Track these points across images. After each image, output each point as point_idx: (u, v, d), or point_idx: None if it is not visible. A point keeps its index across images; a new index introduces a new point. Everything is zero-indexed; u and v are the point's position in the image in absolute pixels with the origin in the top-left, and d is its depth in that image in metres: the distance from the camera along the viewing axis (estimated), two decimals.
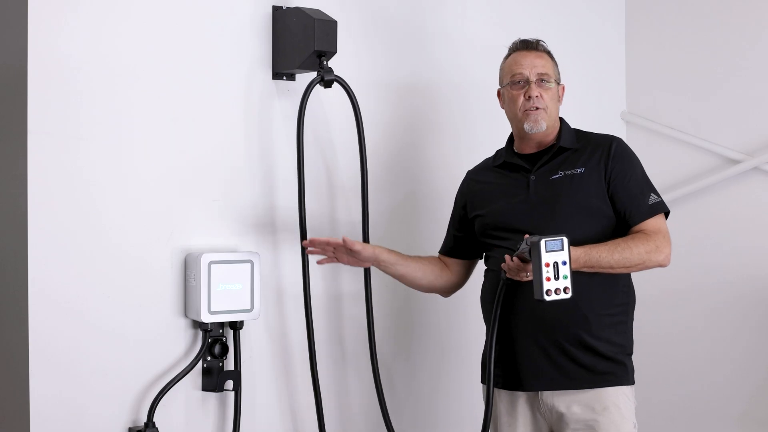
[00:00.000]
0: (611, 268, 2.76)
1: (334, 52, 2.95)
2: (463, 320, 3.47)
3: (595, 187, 2.84)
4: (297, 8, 2.97)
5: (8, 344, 2.73)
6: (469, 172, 3.10)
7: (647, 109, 3.92)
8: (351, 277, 3.22)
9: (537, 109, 2.86)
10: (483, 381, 2.97)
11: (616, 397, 2.81)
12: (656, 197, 2.86)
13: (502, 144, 3.04)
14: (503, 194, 2.93)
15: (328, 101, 3.12)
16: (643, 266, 2.80)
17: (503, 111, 2.97)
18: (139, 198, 2.80)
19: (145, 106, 2.81)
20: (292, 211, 3.05)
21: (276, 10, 3.02)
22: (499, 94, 3.00)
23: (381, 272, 3.04)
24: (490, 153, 3.09)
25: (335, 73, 2.97)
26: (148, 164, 2.82)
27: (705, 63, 3.79)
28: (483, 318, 2.98)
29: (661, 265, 2.82)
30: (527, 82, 2.88)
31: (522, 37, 2.98)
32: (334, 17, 2.99)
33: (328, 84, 2.96)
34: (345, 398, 3.22)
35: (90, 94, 2.72)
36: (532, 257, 2.61)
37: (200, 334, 2.89)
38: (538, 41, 2.95)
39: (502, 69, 2.98)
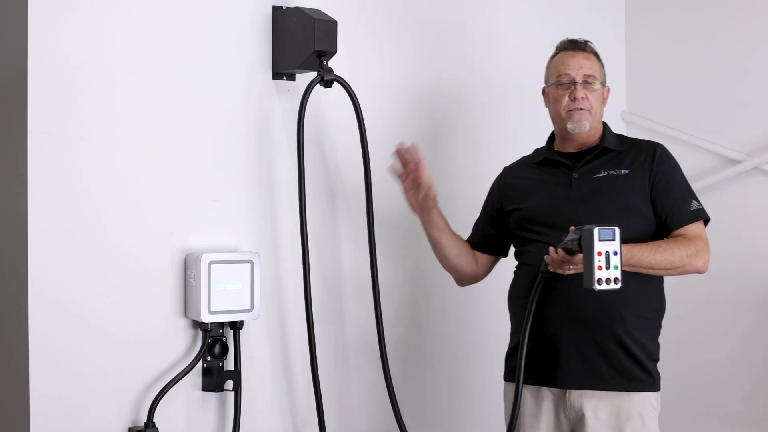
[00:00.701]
0: (651, 268, 2.77)
1: (334, 52, 2.95)
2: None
3: (639, 189, 2.85)
4: (297, 8, 2.97)
5: (8, 344, 2.73)
6: (505, 168, 3.10)
7: (647, 109, 3.92)
8: (352, 278, 3.22)
9: (581, 109, 2.87)
10: (506, 378, 2.97)
11: (642, 406, 2.81)
12: (698, 204, 2.88)
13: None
14: (544, 189, 2.93)
15: (329, 101, 3.12)
16: (682, 270, 2.81)
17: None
18: (139, 198, 2.80)
19: (145, 106, 2.81)
20: (292, 210, 3.04)
21: (276, 10, 3.02)
22: (543, 92, 3.00)
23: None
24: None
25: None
26: (148, 164, 2.82)
27: (705, 63, 3.79)
28: (510, 314, 2.97)
29: (699, 271, 2.84)
30: (573, 83, 2.89)
31: (570, 37, 2.98)
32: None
33: (328, 84, 2.96)
34: (345, 398, 3.22)
35: (90, 94, 2.71)
36: (584, 246, 2.62)
37: (200, 334, 2.89)
38: (586, 42, 2.96)
39: (548, 68, 2.99)
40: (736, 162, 3.70)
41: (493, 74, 3.60)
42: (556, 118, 2.95)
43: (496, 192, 3.09)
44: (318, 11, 2.96)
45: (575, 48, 2.95)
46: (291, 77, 3.07)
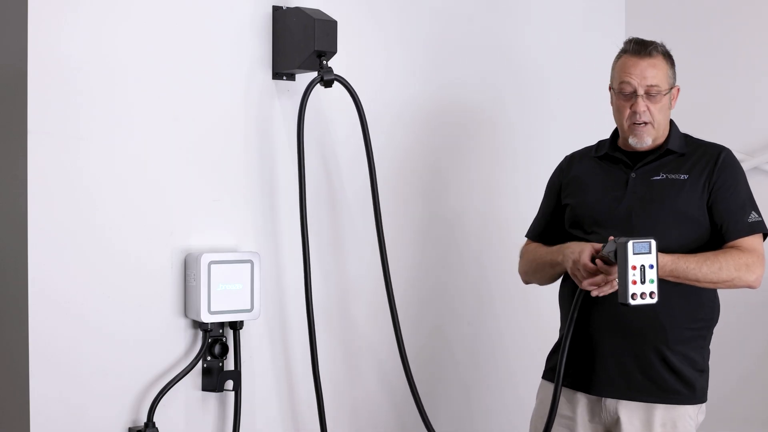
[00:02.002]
0: (697, 281, 2.68)
1: (334, 52, 2.95)
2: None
3: (697, 196, 2.76)
4: (297, 8, 2.97)
5: (8, 344, 2.73)
6: (567, 156, 3.03)
7: None
8: (353, 277, 3.22)
9: (644, 124, 2.78)
10: (545, 376, 2.95)
11: (679, 417, 2.76)
12: (757, 216, 2.77)
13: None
14: (599, 187, 2.85)
15: (330, 101, 3.12)
16: (731, 284, 2.71)
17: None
18: (139, 198, 2.80)
19: (145, 106, 2.81)
20: (292, 210, 3.04)
21: (276, 10, 3.02)
22: (610, 88, 2.90)
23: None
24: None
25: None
26: (148, 164, 2.82)
27: (705, 63, 3.79)
28: (560, 312, 2.93)
29: (750, 286, 2.74)
30: (635, 94, 2.78)
31: (637, 37, 2.84)
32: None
33: (328, 84, 2.96)
34: (346, 398, 3.21)
35: (90, 94, 2.72)
36: (618, 259, 2.56)
37: (200, 334, 2.89)
38: (653, 45, 2.81)
39: (612, 69, 2.87)
40: None
41: (498, 77, 3.60)
42: (618, 125, 2.86)
43: (556, 179, 3.01)
44: (318, 11, 2.96)
45: (640, 53, 2.79)
46: (291, 77, 3.07)
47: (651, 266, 2.54)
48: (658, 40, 2.83)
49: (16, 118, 2.66)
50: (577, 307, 2.73)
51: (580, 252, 2.71)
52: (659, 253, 2.59)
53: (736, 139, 3.71)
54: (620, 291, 2.56)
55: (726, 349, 3.71)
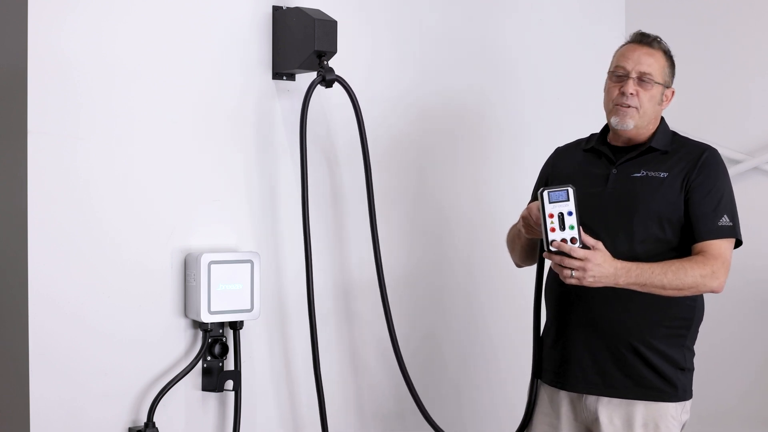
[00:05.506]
0: (663, 288, 2.68)
1: (334, 52, 2.95)
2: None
3: (674, 194, 2.76)
4: (297, 8, 2.97)
5: (8, 346, 2.73)
6: (557, 149, 3.04)
7: None
8: (354, 277, 3.22)
9: (629, 106, 2.78)
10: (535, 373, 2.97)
11: (660, 416, 2.75)
12: (728, 221, 2.76)
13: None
14: (582, 181, 2.82)
15: (328, 101, 3.12)
16: (695, 290, 2.72)
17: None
18: (139, 198, 2.80)
19: (144, 106, 2.81)
20: (292, 210, 3.04)
21: (276, 10, 3.02)
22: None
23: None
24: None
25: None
26: (148, 164, 2.82)
27: (705, 63, 3.79)
28: (546, 307, 2.94)
29: (713, 291, 2.74)
30: (627, 76, 2.80)
31: (643, 30, 2.87)
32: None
33: (329, 84, 2.96)
34: (346, 398, 3.21)
35: (90, 94, 2.71)
36: (540, 210, 2.58)
37: (200, 334, 2.89)
38: (656, 38, 2.84)
39: (613, 57, 2.89)
40: (736, 162, 3.70)
41: (495, 77, 3.60)
42: (605, 108, 2.87)
43: (544, 172, 3.02)
44: (318, 11, 2.96)
45: (641, 42, 2.83)
46: (291, 77, 3.07)
47: (570, 213, 2.56)
48: (665, 41, 2.86)
49: (16, 117, 2.66)
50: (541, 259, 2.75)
51: (527, 208, 2.74)
52: (625, 261, 2.62)
53: (736, 139, 3.71)
54: (544, 241, 2.58)
55: (727, 350, 3.72)
